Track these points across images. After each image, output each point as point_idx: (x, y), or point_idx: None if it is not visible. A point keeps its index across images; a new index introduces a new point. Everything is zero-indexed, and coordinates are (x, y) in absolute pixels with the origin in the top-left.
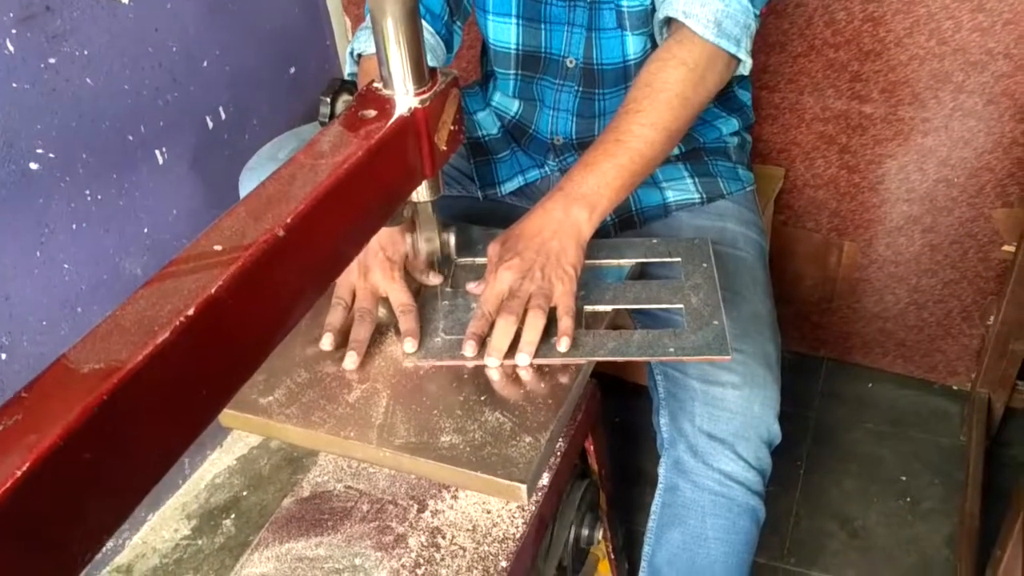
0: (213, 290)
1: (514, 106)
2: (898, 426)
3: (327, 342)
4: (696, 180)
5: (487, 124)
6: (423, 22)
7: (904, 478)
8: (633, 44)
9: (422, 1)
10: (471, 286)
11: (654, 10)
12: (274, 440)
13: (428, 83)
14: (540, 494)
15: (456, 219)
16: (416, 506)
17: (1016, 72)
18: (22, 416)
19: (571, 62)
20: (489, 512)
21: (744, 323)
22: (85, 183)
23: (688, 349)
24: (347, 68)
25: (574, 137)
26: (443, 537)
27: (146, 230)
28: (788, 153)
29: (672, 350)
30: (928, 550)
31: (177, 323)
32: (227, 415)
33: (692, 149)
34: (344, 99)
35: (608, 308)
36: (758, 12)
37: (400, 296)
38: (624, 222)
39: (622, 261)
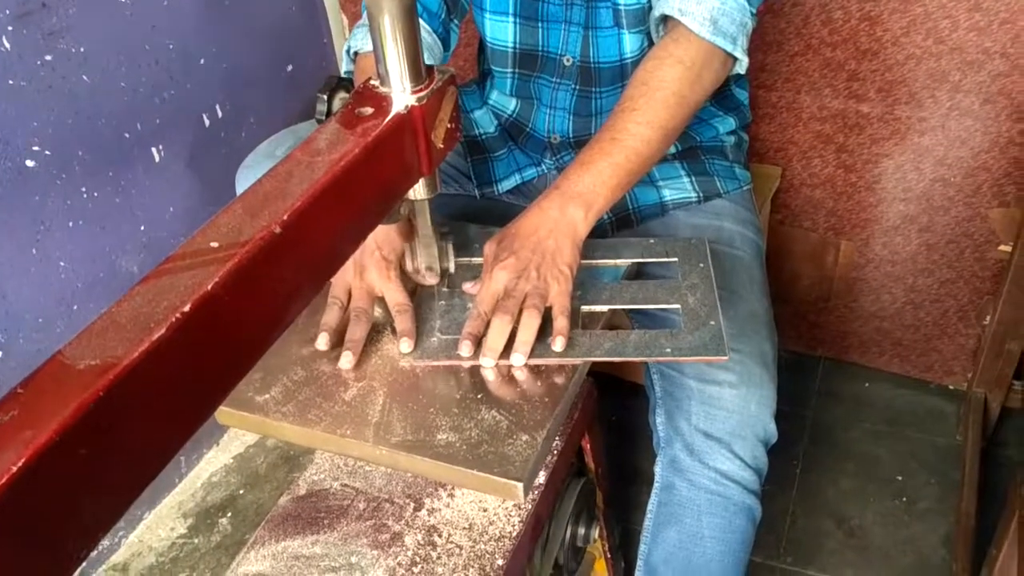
0: (209, 287)
1: (511, 104)
2: (895, 425)
3: (323, 342)
4: (693, 179)
5: (484, 122)
6: (420, 20)
7: (900, 477)
8: (630, 42)
9: None
10: (467, 286)
11: (651, 8)
12: (270, 438)
13: (425, 81)
14: (536, 492)
15: (453, 217)
16: (412, 504)
17: (1013, 71)
18: (17, 412)
19: (568, 60)
20: (485, 510)
21: (741, 322)
22: (81, 181)
23: (685, 350)
24: (344, 66)
25: (571, 135)
26: (439, 535)
27: (142, 228)
28: (785, 152)
29: (669, 350)
30: (924, 549)
31: (173, 320)
32: (223, 412)
33: (689, 148)
34: (341, 97)
35: (605, 308)
36: (755, 11)
37: (396, 296)
38: (621, 221)
39: (619, 261)
